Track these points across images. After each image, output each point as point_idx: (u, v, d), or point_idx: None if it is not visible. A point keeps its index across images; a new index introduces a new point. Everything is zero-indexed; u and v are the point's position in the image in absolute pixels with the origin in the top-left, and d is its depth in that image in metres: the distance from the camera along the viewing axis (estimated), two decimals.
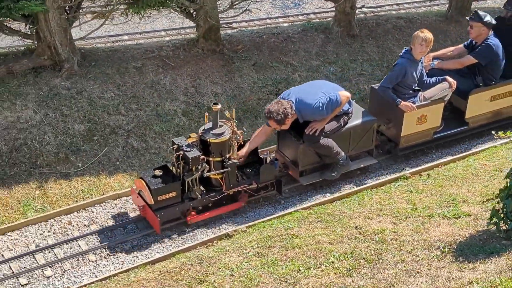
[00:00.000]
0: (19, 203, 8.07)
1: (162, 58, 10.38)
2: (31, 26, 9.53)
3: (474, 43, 9.18)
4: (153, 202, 7.37)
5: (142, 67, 10.11)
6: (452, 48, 9.51)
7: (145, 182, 7.45)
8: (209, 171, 7.63)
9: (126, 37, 12.48)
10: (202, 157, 7.49)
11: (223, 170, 7.68)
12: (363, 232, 6.76)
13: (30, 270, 7.11)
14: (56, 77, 9.56)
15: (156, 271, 6.82)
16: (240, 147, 7.94)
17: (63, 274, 7.14)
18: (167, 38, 12.09)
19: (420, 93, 8.69)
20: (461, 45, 9.45)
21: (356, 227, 6.95)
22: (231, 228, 7.72)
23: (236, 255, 6.84)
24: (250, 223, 7.77)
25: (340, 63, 11.02)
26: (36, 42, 9.70)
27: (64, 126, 9.01)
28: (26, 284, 6.96)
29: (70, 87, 9.48)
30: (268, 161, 7.93)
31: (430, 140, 9.08)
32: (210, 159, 7.61)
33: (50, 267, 7.19)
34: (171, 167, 7.71)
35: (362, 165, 8.64)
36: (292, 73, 10.69)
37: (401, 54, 8.56)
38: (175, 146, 7.56)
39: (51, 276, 7.10)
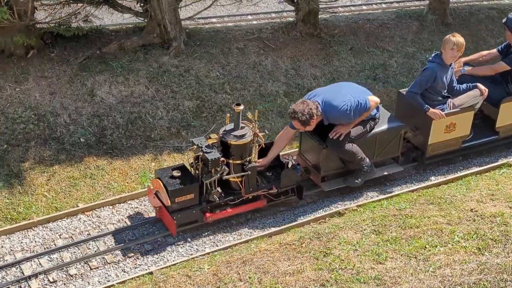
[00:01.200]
0: (137, 173, 8.46)
1: (263, 40, 10.67)
2: (142, 4, 9.91)
3: (508, 47, 8.75)
4: (170, 204, 7.13)
5: (244, 48, 10.41)
6: (485, 53, 9.08)
7: (162, 182, 7.19)
8: (228, 173, 7.35)
9: (227, 19, 12.76)
10: (222, 159, 7.22)
11: (242, 174, 7.40)
12: (481, 215, 6.94)
13: (153, 237, 7.49)
14: (165, 55, 9.92)
15: (276, 243, 7.12)
16: (262, 150, 7.62)
17: (185, 242, 7.49)
18: (265, 21, 12.34)
19: (449, 100, 8.29)
20: (495, 50, 9.01)
21: (471, 210, 7.14)
22: (341, 207, 7.97)
23: (352, 232, 7.10)
24: (360, 203, 8.01)
25: (435, 50, 11.12)
26: (146, 20, 10.08)
27: (175, 102, 9.38)
28: (151, 250, 7.35)
29: (178, 65, 9.83)
30: (290, 166, 7.63)
31: (458, 149, 8.67)
32: (230, 161, 7.34)
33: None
34: (189, 168, 7.47)
35: (386, 173, 8.33)
36: (388, 59, 10.86)
37: (430, 58, 8.17)
38: (195, 146, 7.28)
39: (173, 244, 7.46)
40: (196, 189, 7.23)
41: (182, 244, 7.43)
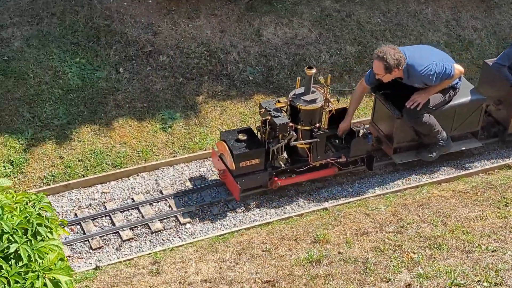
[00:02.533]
0: None
1: None
2: None
3: None
4: (234, 168, 6.88)
5: None
6: None
7: (227, 145, 6.94)
8: (296, 140, 7.04)
9: None
10: (291, 124, 6.92)
11: (311, 140, 7.08)
12: None
13: None
14: None
15: (449, 190, 7.21)
16: (332, 117, 7.15)
17: (353, 183, 7.70)
18: None
19: None
20: None
21: None
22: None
23: None
24: None
25: None
26: None
27: (337, 47, 9.49)
28: (322, 187, 7.60)
29: (340, 10, 9.90)
30: (361, 134, 7.27)
31: None
32: (299, 127, 7.00)
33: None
34: (255, 131, 7.20)
35: (464, 148, 7.89)
36: None
37: None
38: (262, 109, 6.98)
39: (342, 183, 7.67)
40: (262, 154, 6.97)
41: (351, 184, 7.64)
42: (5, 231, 4.26)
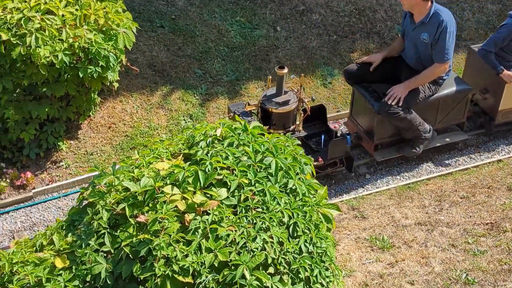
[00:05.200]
0: None
1: None
2: None
3: None
4: None
5: None
6: None
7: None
8: None
9: None
10: None
11: None
12: None
13: None
14: None
15: None
16: (307, 118, 6.72)
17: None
18: None
19: None
20: None
21: None
22: None
23: None
24: None
25: None
26: None
27: (479, 5, 9.64)
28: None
29: None
30: (339, 135, 6.90)
31: None
32: (271, 131, 6.40)
33: None
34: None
35: (449, 140, 7.41)
36: None
37: (510, 13, 7.19)
38: (231, 114, 6.49)
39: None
40: None
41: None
42: (283, 168, 4.65)
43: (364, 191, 7.04)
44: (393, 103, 6.49)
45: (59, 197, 6.90)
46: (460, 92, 7.05)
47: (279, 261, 4.28)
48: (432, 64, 6.55)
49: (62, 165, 7.19)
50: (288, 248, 4.34)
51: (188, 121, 7.80)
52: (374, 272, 5.17)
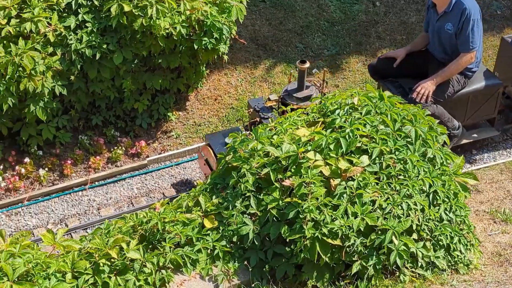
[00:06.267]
0: None
1: None
2: None
3: None
4: None
5: None
6: None
7: (212, 151, 6.14)
8: None
9: None
10: None
11: None
12: None
13: None
14: None
15: None
16: None
17: None
18: None
19: None
20: None
21: None
22: None
23: None
24: None
25: None
26: None
27: None
28: None
29: None
30: None
31: None
32: None
33: None
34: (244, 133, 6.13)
35: (478, 136, 6.96)
36: None
37: None
38: (251, 109, 6.23)
39: None
40: None
41: None
42: (421, 137, 4.69)
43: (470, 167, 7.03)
44: (422, 101, 6.11)
45: (172, 166, 7.10)
46: (490, 87, 6.62)
47: (422, 228, 4.35)
48: (458, 55, 6.24)
49: (173, 135, 7.38)
50: (430, 216, 4.40)
51: None
52: (504, 243, 5.18)
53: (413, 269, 4.33)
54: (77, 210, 6.57)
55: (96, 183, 6.83)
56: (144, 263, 4.16)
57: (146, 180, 6.94)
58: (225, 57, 7.31)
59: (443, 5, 6.17)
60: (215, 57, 7.29)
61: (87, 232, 6.30)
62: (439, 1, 6.18)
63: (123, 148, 7.10)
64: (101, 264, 4.12)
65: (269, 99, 6.23)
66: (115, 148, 7.08)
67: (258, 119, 6.01)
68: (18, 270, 3.93)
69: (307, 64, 6.00)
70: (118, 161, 7.04)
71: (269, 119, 5.43)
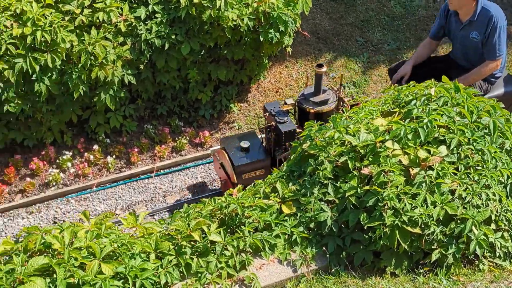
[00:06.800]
0: None
1: None
2: None
3: None
4: (236, 181, 5.94)
5: None
6: None
7: (227, 155, 6.03)
8: None
9: None
10: (299, 130, 5.83)
11: None
12: None
13: None
14: None
15: None
16: None
17: None
18: None
19: None
20: None
21: None
22: None
23: None
24: None
25: None
26: None
27: None
28: None
29: None
30: None
31: None
32: None
33: None
34: (260, 136, 6.26)
35: None
36: None
37: None
38: (267, 113, 6.08)
39: None
40: (267, 165, 6.02)
41: None
42: (499, 128, 4.69)
43: None
44: None
45: None
46: (510, 93, 6.30)
47: (500, 218, 4.35)
48: (483, 62, 6.07)
49: (235, 126, 7.48)
50: (508, 207, 4.40)
51: (352, 88, 7.92)
52: None
53: (491, 259, 4.34)
54: (143, 197, 6.71)
55: (161, 171, 6.97)
56: (225, 246, 4.25)
57: (209, 169, 7.05)
58: (289, 49, 7.37)
59: (468, 13, 5.95)
60: (278, 49, 7.36)
61: (154, 218, 6.43)
62: (463, 10, 5.95)
63: (187, 138, 7.22)
64: (183, 246, 4.22)
65: (285, 103, 6.14)
66: (180, 137, 7.21)
67: (274, 123, 5.95)
68: (105, 249, 4.05)
69: (324, 68, 5.87)
70: (183, 151, 7.16)
71: (343, 109, 5.43)
